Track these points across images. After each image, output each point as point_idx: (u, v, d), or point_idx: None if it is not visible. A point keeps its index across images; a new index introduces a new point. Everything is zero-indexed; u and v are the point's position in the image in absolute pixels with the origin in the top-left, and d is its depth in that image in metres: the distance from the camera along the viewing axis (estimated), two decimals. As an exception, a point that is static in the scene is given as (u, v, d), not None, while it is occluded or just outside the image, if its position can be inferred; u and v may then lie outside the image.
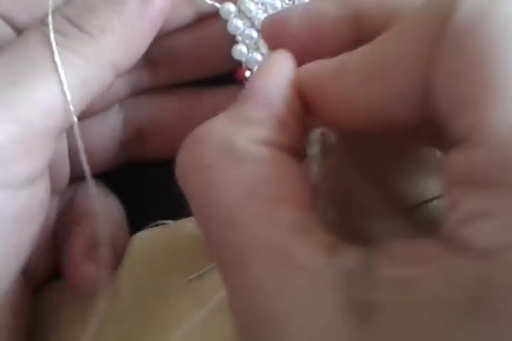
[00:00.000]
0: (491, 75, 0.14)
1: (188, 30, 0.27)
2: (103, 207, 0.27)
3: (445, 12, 0.15)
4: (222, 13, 0.27)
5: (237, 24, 0.27)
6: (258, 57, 0.27)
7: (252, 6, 0.27)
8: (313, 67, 0.18)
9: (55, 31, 0.23)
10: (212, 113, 0.27)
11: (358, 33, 0.19)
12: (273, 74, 0.18)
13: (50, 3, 0.24)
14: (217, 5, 0.27)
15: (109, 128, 0.26)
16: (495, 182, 0.14)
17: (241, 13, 0.27)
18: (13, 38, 0.24)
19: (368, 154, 0.21)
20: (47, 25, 0.23)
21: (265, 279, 0.15)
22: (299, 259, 0.15)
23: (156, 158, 0.28)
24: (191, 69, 0.28)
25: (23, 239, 0.23)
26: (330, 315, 0.14)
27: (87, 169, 0.25)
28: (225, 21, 0.27)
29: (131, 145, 0.28)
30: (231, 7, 0.27)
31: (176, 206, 0.27)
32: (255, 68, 0.27)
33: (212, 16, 0.27)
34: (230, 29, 0.27)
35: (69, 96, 0.22)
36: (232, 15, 0.27)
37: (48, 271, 0.27)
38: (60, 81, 0.22)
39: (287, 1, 0.28)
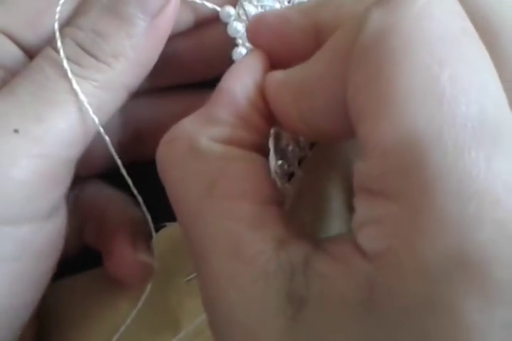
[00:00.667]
0: (385, 87, 0.15)
1: (188, 33, 0.28)
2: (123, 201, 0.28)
3: (355, 29, 0.16)
4: (222, 16, 0.28)
5: (237, 27, 0.28)
6: (258, 59, 0.27)
7: (251, 9, 0.28)
8: (274, 75, 0.20)
9: (70, 60, 0.23)
10: None
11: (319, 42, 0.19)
12: (241, 76, 0.20)
13: (56, 26, 0.24)
14: (218, 8, 0.27)
15: (108, 130, 0.27)
16: (384, 190, 0.14)
17: (241, 16, 0.28)
18: (18, 55, 0.25)
19: (337, 151, 0.22)
20: (58, 52, 0.24)
21: (220, 269, 0.16)
22: (249, 253, 0.16)
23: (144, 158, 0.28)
24: (191, 72, 0.29)
25: (45, 272, 0.24)
26: (272, 305, 0.15)
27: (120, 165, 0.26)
28: (225, 24, 0.28)
29: (130, 147, 0.29)
30: (231, 10, 0.28)
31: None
32: (255, 70, 0.27)
33: (212, 20, 0.27)
34: (230, 32, 0.28)
35: (96, 120, 0.24)
36: (232, 18, 0.27)
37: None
38: (81, 110, 0.23)
39: (286, 3, 0.28)
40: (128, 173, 0.26)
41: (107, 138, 0.24)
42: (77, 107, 0.23)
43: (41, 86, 0.23)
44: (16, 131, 0.22)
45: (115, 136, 0.29)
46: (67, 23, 0.25)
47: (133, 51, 0.24)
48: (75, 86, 0.23)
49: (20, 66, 0.25)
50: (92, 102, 0.23)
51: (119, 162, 0.25)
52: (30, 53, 0.25)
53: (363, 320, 0.14)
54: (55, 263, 0.24)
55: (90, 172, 0.28)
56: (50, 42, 0.24)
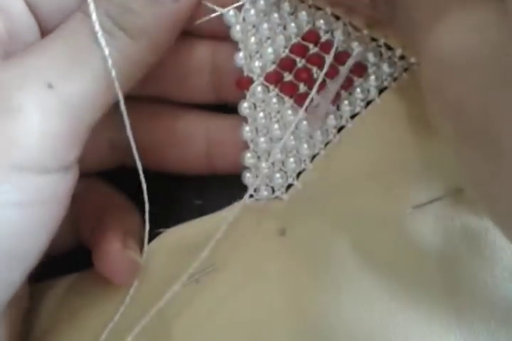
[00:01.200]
0: None
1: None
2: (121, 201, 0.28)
3: None
4: (226, 20, 0.27)
5: (239, 31, 0.27)
6: (260, 66, 0.27)
7: (255, 14, 0.27)
8: None
9: (104, 29, 0.24)
10: (206, 136, 0.28)
11: None
12: None
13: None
14: (222, 11, 0.26)
15: (101, 132, 0.26)
16: None
17: (244, 20, 0.27)
18: (35, 30, 0.25)
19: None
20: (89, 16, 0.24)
21: None
22: None
23: (150, 168, 0.28)
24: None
25: (57, 220, 0.24)
26: None
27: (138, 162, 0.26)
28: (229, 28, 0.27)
29: (124, 151, 0.28)
30: (236, 13, 0.27)
31: (167, 209, 0.29)
32: (256, 77, 0.27)
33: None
34: (233, 35, 0.27)
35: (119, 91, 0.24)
36: (236, 21, 0.27)
37: None
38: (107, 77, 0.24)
39: (288, 12, 0.27)
40: (124, 176, 0.27)
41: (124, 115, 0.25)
42: (104, 74, 0.24)
43: (74, 47, 0.23)
44: (49, 85, 0.22)
45: (105, 138, 0.29)
46: None
47: (156, 30, 0.24)
48: (106, 52, 0.23)
49: (22, 16, 0.25)
50: (120, 73, 0.24)
51: (139, 165, 0.26)
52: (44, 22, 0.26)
53: None
54: (62, 217, 0.25)
55: (89, 170, 0.27)
56: (81, 6, 0.24)
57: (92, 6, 0.24)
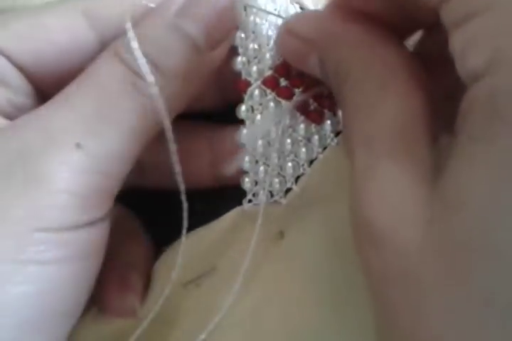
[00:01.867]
0: None
1: None
2: (128, 227, 0.28)
3: None
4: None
5: (240, 36, 0.27)
6: (258, 70, 0.27)
7: (257, 20, 0.27)
8: None
9: (135, 72, 0.23)
10: (210, 148, 0.28)
11: None
12: None
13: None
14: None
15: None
16: None
17: (245, 26, 0.27)
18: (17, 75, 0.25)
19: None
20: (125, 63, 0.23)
21: None
22: None
23: (155, 186, 0.28)
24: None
25: (90, 277, 0.24)
26: None
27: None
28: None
29: (130, 173, 0.28)
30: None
31: (168, 214, 0.28)
32: (254, 81, 0.27)
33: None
34: (232, 40, 0.27)
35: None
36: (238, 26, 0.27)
37: None
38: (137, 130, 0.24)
39: (289, 18, 0.28)
40: (127, 198, 0.26)
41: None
42: (135, 126, 0.23)
43: (103, 101, 0.23)
44: (78, 145, 0.22)
45: None
46: None
47: (189, 74, 0.24)
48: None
49: (20, 85, 0.25)
50: (143, 124, 0.24)
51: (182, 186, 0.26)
52: (27, 73, 0.25)
53: None
54: (100, 265, 0.25)
55: None
56: (113, 46, 0.24)
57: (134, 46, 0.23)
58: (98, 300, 0.26)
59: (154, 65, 0.23)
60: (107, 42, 0.25)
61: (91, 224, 0.23)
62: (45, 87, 0.25)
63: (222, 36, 0.25)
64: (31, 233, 0.21)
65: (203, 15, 0.24)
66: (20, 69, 0.25)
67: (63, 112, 0.23)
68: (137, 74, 0.23)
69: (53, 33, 0.25)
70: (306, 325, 0.25)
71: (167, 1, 0.24)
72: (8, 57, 0.25)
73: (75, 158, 0.22)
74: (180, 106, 0.25)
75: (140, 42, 0.23)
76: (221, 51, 0.25)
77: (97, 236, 0.24)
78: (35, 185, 0.21)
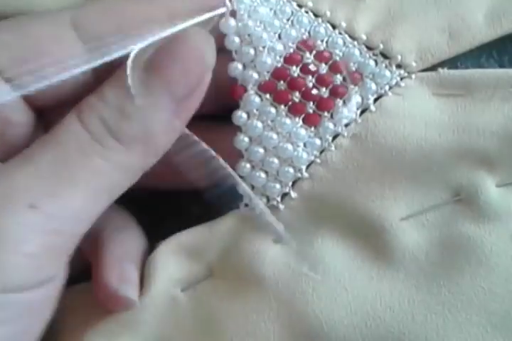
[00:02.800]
0: None
1: None
2: (122, 221, 0.28)
3: None
4: (222, 28, 0.26)
5: (234, 40, 0.27)
6: (255, 75, 0.27)
7: (250, 23, 0.27)
8: None
9: (94, 137, 0.23)
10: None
11: None
12: None
13: None
14: (220, 20, 0.26)
15: None
16: None
17: (239, 29, 0.27)
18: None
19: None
20: (85, 127, 0.23)
21: None
22: None
23: (150, 188, 0.28)
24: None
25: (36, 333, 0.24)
26: None
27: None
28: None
29: None
30: (231, 22, 0.26)
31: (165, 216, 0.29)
32: (250, 86, 0.27)
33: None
34: (228, 44, 0.27)
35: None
36: (233, 30, 0.26)
37: None
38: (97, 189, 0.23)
39: (285, 21, 0.27)
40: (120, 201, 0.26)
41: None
42: (94, 187, 0.23)
43: (62, 162, 0.23)
44: (31, 206, 0.22)
45: None
46: None
47: (152, 136, 0.24)
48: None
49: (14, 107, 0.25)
50: (106, 183, 0.23)
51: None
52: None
53: None
54: (45, 323, 0.25)
55: None
56: (78, 113, 0.23)
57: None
58: (97, 292, 0.26)
59: (111, 132, 0.23)
60: (95, 53, 0.25)
61: (40, 283, 0.23)
62: (32, 98, 0.25)
63: (192, 95, 0.24)
64: None
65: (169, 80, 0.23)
66: (7, 79, 0.25)
67: (22, 170, 0.23)
68: (95, 137, 0.23)
69: (41, 43, 0.25)
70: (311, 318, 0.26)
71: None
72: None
73: (30, 218, 0.22)
74: (147, 166, 0.25)
75: (98, 106, 0.23)
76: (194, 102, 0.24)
77: (44, 296, 0.23)
78: None
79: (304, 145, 0.27)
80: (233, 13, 0.26)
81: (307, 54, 0.27)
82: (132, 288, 0.26)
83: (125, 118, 0.23)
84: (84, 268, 0.27)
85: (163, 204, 0.29)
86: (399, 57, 0.27)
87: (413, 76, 0.27)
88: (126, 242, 0.27)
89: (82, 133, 0.23)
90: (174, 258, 0.27)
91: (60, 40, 0.25)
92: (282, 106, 0.27)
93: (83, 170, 0.23)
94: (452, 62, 0.27)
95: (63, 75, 0.23)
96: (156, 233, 0.28)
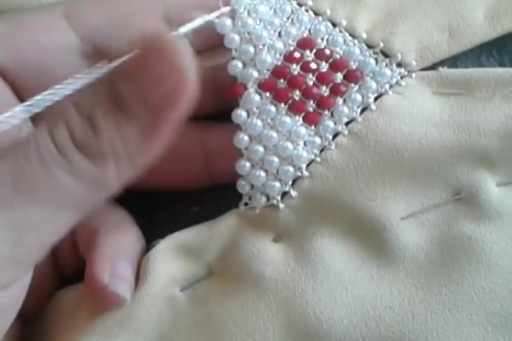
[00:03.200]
0: None
1: None
2: (118, 219, 0.27)
3: None
4: (219, 28, 0.26)
5: (234, 38, 0.27)
6: (254, 73, 0.27)
7: (250, 21, 0.27)
8: None
9: (58, 150, 0.21)
10: (202, 147, 0.28)
11: None
12: None
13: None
14: (215, 20, 0.26)
15: None
16: None
17: (238, 28, 0.27)
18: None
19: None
20: (53, 138, 0.22)
21: None
22: None
23: (150, 188, 0.28)
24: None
25: None
26: None
27: None
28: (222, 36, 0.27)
29: None
30: (227, 21, 0.26)
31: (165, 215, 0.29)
32: (250, 84, 0.27)
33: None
34: (227, 43, 0.27)
35: None
36: (229, 29, 0.26)
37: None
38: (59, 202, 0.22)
39: (285, 19, 0.27)
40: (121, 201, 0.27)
41: None
42: (57, 201, 0.22)
43: (22, 173, 0.21)
44: None
45: None
46: None
47: (124, 150, 0.22)
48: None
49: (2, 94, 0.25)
50: (73, 199, 0.22)
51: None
52: (7, 72, 0.25)
53: None
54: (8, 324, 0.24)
55: None
56: (50, 122, 0.22)
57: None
58: (88, 288, 0.26)
59: (80, 149, 0.22)
60: (88, 43, 0.25)
61: (0, 287, 0.22)
62: (23, 88, 0.25)
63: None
64: None
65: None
66: (2, 72, 0.25)
67: None
68: (61, 149, 0.22)
69: (34, 32, 0.25)
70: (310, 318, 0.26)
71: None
72: None
73: None
74: (126, 179, 0.23)
75: (70, 116, 0.22)
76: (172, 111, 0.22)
77: (5, 299, 0.23)
78: None
79: (304, 143, 0.27)
80: (232, 12, 0.26)
81: (307, 52, 0.27)
82: (124, 286, 0.26)
83: (94, 130, 0.21)
84: (82, 268, 0.27)
85: (163, 204, 0.29)
86: (399, 56, 0.27)
87: (413, 75, 0.27)
88: (121, 240, 0.27)
89: (48, 144, 0.21)
90: (173, 257, 0.27)
91: (52, 29, 0.25)
92: (282, 105, 0.27)
93: (43, 183, 0.21)
94: (452, 61, 0.27)
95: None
96: (155, 232, 0.28)
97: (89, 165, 0.21)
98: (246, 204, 0.27)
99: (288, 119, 0.27)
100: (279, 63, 0.27)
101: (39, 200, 0.21)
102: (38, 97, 0.22)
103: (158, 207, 0.29)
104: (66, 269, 0.28)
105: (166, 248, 0.27)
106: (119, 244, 0.27)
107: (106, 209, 0.28)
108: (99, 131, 0.21)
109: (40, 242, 0.22)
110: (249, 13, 0.27)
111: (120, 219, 0.28)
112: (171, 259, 0.27)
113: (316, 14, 0.28)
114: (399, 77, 0.27)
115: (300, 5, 0.28)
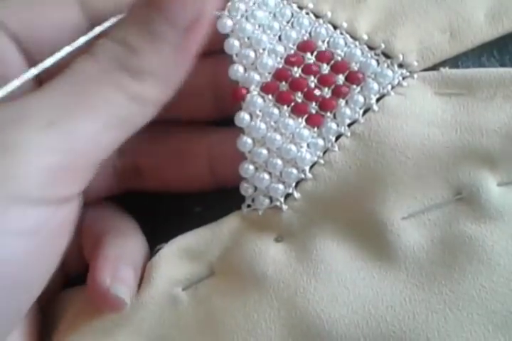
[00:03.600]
0: None
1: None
2: (124, 225, 0.28)
3: None
4: (220, 28, 0.27)
5: (233, 43, 0.27)
6: (256, 77, 0.27)
7: (248, 26, 0.27)
8: None
9: (106, 71, 0.24)
10: (208, 150, 0.28)
11: None
12: None
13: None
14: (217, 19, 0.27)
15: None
16: None
17: (238, 33, 0.27)
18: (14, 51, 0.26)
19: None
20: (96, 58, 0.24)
21: None
22: None
23: (154, 190, 0.29)
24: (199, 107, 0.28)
25: (56, 254, 0.25)
26: None
27: None
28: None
29: (127, 177, 0.29)
30: (228, 21, 0.27)
31: (168, 215, 0.29)
32: (253, 87, 0.27)
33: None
34: (227, 48, 0.27)
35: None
36: (230, 29, 0.27)
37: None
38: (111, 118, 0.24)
39: (285, 23, 0.27)
40: (124, 201, 0.27)
41: None
42: (108, 115, 0.24)
43: (77, 90, 0.24)
44: (48, 123, 0.23)
45: (110, 166, 0.29)
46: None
47: (162, 68, 0.24)
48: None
49: (16, 62, 0.26)
50: (120, 113, 0.24)
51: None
52: (23, 46, 0.26)
53: None
54: (65, 246, 0.25)
55: (94, 197, 0.28)
56: (89, 48, 0.25)
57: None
58: (90, 291, 0.26)
59: (123, 66, 0.24)
60: (96, 24, 0.26)
61: (57, 201, 0.24)
62: (36, 56, 0.26)
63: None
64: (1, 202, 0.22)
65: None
66: (16, 41, 0.26)
67: (40, 95, 0.24)
68: (108, 71, 0.24)
69: (48, 8, 0.27)
70: (311, 318, 0.26)
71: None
72: (6, 29, 0.26)
73: (45, 135, 0.23)
74: (164, 98, 0.25)
75: (108, 44, 0.24)
76: (201, 28, 0.25)
77: (62, 216, 0.24)
78: (5, 156, 0.22)
79: (308, 145, 0.28)
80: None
81: (308, 54, 0.27)
82: (125, 289, 0.26)
83: (133, 51, 0.24)
84: (85, 271, 0.27)
85: (167, 205, 0.30)
86: (400, 57, 0.27)
87: (415, 75, 0.27)
88: (125, 246, 0.28)
89: (95, 68, 0.24)
90: (176, 262, 0.28)
91: (64, 8, 0.27)
92: (285, 107, 0.27)
93: (97, 98, 0.24)
94: (453, 62, 0.27)
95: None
96: (158, 232, 0.28)
97: (136, 84, 0.24)
98: (249, 206, 0.28)
99: (291, 121, 0.27)
100: (280, 66, 0.27)
101: (93, 113, 0.24)
102: (47, 61, 0.25)
103: (161, 206, 0.29)
104: (72, 271, 0.29)
105: (169, 253, 0.28)
106: (123, 249, 0.27)
107: (112, 215, 0.29)
108: (137, 52, 0.24)
109: (92, 156, 0.24)
110: (247, 18, 0.27)
111: (125, 225, 0.29)
112: (173, 263, 0.28)
113: (317, 17, 0.28)
114: (400, 78, 0.27)
115: (300, 8, 0.28)
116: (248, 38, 0.27)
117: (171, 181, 0.29)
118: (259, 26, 0.27)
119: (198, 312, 0.27)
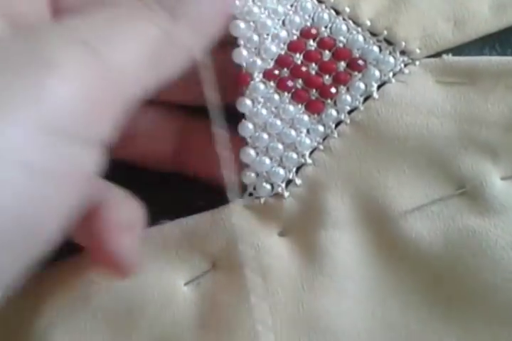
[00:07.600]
0: None
1: None
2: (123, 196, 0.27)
3: None
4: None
5: (239, 25, 0.26)
6: (259, 62, 0.27)
7: (255, 10, 0.26)
8: None
9: (144, 5, 0.23)
10: (177, 135, 0.29)
11: None
12: None
13: None
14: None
15: None
16: None
17: (245, 15, 0.26)
18: None
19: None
20: None
21: None
22: None
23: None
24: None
25: (70, 199, 0.22)
26: None
27: None
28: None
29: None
30: (237, 2, 0.26)
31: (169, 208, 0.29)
32: (255, 73, 0.27)
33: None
34: (233, 31, 0.26)
35: None
36: (238, 10, 0.26)
37: None
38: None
39: (289, 7, 0.27)
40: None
41: None
42: (140, 44, 0.23)
43: (114, 19, 0.23)
44: (84, 42, 0.21)
45: None
46: None
47: (197, 12, 0.24)
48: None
49: None
50: (153, 47, 0.23)
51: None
52: None
53: None
54: (79, 193, 0.22)
55: None
56: None
57: None
58: (96, 257, 0.26)
59: (168, 10, 0.24)
60: None
61: (87, 142, 0.21)
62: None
63: None
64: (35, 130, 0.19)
65: None
66: None
67: (80, 18, 0.22)
68: (146, 5, 0.23)
69: None
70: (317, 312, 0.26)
71: None
72: None
73: (84, 57, 0.21)
74: (199, 44, 0.24)
75: None
76: None
77: (82, 161, 0.22)
78: (42, 70, 0.20)
79: (308, 131, 0.27)
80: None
81: (310, 41, 0.27)
82: (132, 254, 0.25)
83: None
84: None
85: (167, 197, 0.29)
86: (403, 44, 0.27)
87: (417, 63, 0.27)
88: (124, 212, 0.26)
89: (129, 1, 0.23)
90: (176, 245, 0.28)
91: None
92: (286, 94, 0.27)
93: (131, 28, 0.23)
94: (455, 53, 0.27)
95: None
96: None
97: (172, 22, 0.23)
98: (251, 194, 0.28)
99: (291, 108, 0.27)
100: (283, 52, 0.27)
101: (128, 42, 0.22)
102: None
103: (163, 199, 0.29)
104: None
105: (169, 234, 0.28)
106: (123, 215, 0.26)
107: (105, 187, 0.28)
108: None
109: (131, 90, 0.22)
110: (253, 1, 0.26)
111: (121, 195, 0.27)
112: (174, 252, 0.28)
113: (320, 1, 0.27)
114: (402, 65, 0.27)
115: (320, 1, 0.27)
116: (254, 22, 0.26)
117: (134, 150, 0.29)
118: (264, 9, 0.27)
119: (200, 306, 0.27)
